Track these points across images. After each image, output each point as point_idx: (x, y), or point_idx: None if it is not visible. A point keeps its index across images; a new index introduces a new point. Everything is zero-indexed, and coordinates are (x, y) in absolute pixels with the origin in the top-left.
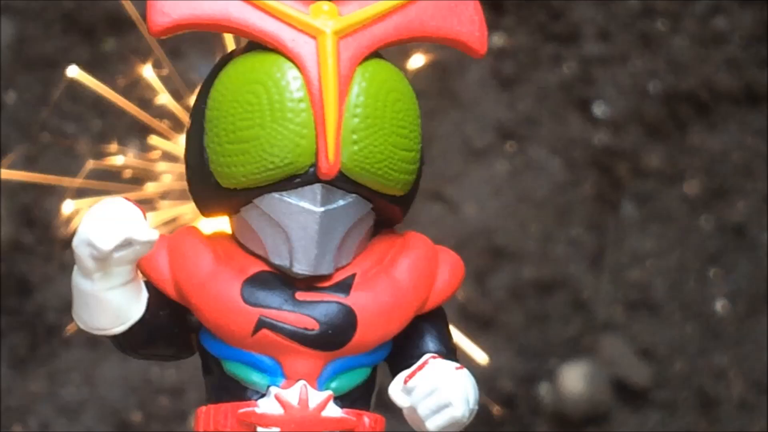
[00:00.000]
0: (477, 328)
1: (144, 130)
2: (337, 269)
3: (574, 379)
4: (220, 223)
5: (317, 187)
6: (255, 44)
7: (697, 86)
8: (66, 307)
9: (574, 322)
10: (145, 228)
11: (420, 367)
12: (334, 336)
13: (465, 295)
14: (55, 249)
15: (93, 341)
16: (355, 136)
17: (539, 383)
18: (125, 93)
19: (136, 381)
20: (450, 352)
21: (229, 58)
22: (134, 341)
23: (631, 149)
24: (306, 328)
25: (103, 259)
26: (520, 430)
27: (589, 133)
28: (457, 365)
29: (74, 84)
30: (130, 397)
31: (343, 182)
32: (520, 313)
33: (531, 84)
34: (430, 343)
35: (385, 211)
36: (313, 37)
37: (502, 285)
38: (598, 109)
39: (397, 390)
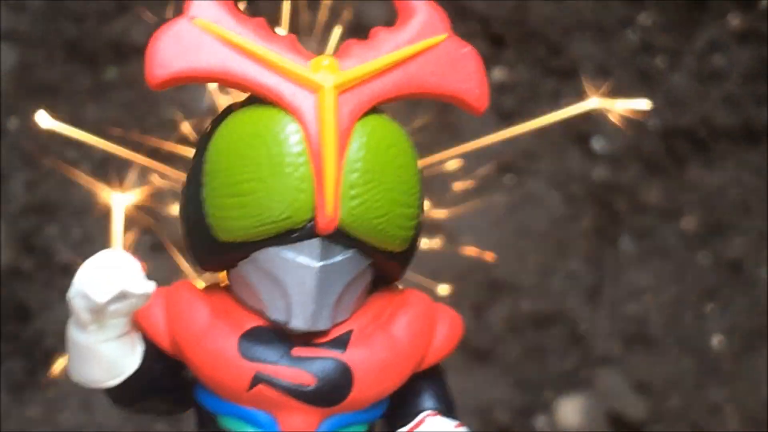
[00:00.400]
0: (474, 360)
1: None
2: (335, 325)
3: (570, 412)
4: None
5: (315, 242)
6: (255, 98)
7: (695, 123)
8: (65, 333)
9: (572, 356)
10: (141, 280)
11: (416, 425)
12: (330, 392)
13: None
14: (55, 275)
15: None
16: (353, 191)
17: (536, 416)
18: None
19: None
20: (449, 409)
21: (228, 111)
22: (129, 395)
23: (630, 184)
24: (302, 384)
25: (98, 311)
26: None
27: (588, 168)
28: (456, 423)
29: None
30: (127, 423)
31: (341, 237)
32: (518, 345)
33: (530, 118)
34: (429, 400)
35: (384, 267)
36: (313, 92)
37: (500, 317)
38: (597, 144)
39: None
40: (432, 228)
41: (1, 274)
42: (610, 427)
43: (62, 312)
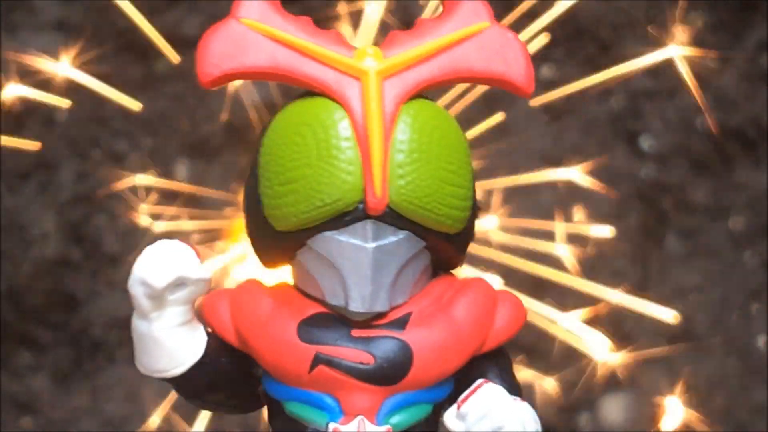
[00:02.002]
0: (519, 358)
1: (194, 149)
2: (393, 308)
3: (614, 410)
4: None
5: (367, 224)
6: (306, 93)
7: (744, 123)
8: (112, 323)
9: (615, 355)
10: (197, 266)
11: (473, 391)
12: (390, 370)
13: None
14: (102, 265)
15: None
16: (401, 171)
17: (579, 414)
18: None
19: (179, 397)
20: (513, 390)
21: (281, 108)
22: (194, 386)
23: (677, 184)
24: (362, 363)
25: (157, 298)
26: None
27: (636, 167)
28: (516, 397)
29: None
30: (173, 414)
31: (392, 218)
32: (561, 343)
33: (579, 116)
34: (493, 380)
35: (441, 252)
36: (357, 78)
37: (545, 315)
38: (645, 143)
39: (451, 417)
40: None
41: (50, 264)
42: (652, 427)
43: (109, 302)
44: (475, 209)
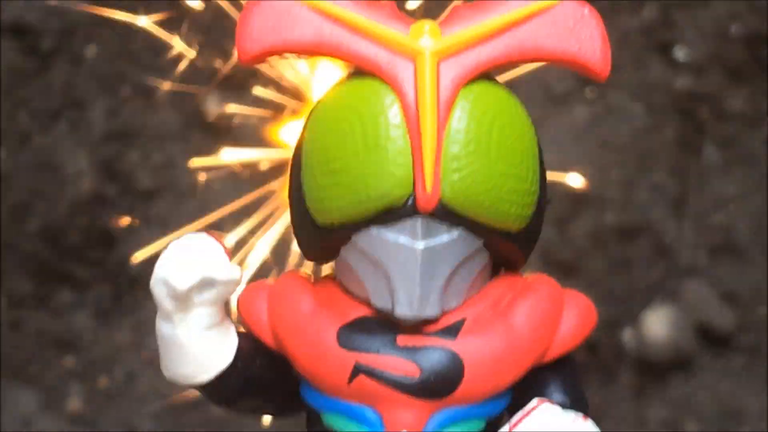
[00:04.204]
0: (559, 275)
1: (222, 81)
2: (445, 313)
3: (657, 324)
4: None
5: (417, 221)
6: (356, 71)
7: None
8: (150, 258)
9: (657, 268)
10: (225, 266)
11: (527, 413)
12: (437, 384)
13: (547, 242)
14: (137, 201)
15: None
16: (456, 164)
17: (623, 329)
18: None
19: None
20: (576, 403)
21: (330, 88)
22: (225, 393)
23: (714, 93)
24: (406, 375)
25: (181, 300)
26: (604, 376)
27: (671, 78)
28: (578, 415)
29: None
30: None
31: (444, 215)
32: (603, 259)
33: (611, 29)
34: (554, 394)
35: (501, 251)
36: (411, 59)
37: (584, 231)
38: (680, 53)
39: None
40: None
41: (85, 202)
42: (697, 339)
43: (146, 237)
44: (543, 204)
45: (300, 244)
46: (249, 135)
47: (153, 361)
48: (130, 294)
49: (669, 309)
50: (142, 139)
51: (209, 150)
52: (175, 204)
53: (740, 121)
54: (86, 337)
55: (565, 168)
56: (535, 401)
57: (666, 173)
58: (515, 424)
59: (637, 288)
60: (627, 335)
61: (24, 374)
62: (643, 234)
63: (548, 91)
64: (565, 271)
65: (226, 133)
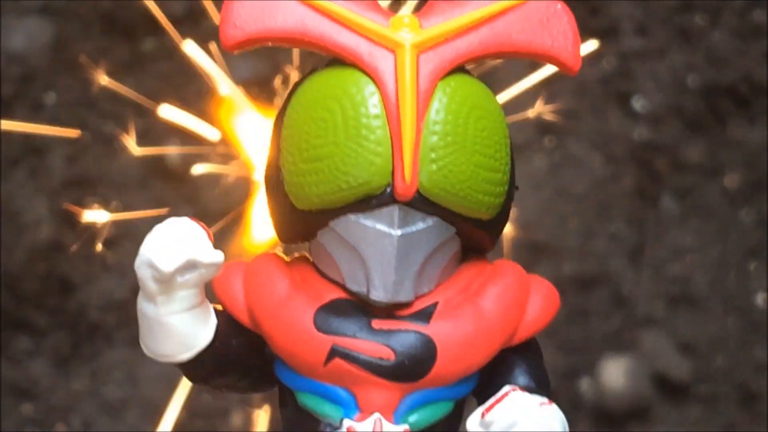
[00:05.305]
0: None
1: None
2: (418, 297)
3: (615, 373)
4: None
5: (394, 209)
6: (335, 60)
7: (736, 80)
8: (108, 306)
9: (615, 317)
10: (209, 249)
11: (499, 400)
12: (411, 367)
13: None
14: (97, 249)
15: (135, 339)
16: (433, 155)
17: (580, 378)
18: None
19: (178, 378)
20: (541, 386)
21: (308, 74)
22: (203, 370)
23: (671, 143)
24: (381, 358)
25: (165, 282)
26: None
27: (629, 128)
28: (544, 400)
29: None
30: (173, 394)
31: (421, 204)
32: (561, 308)
33: (570, 79)
34: (520, 377)
35: (472, 237)
36: (392, 51)
37: None
38: (638, 104)
39: (474, 423)
40: None
41: (44, 249)
42: (655, 389)
43: (105, 285)
44: (512, 193)
45: (276, 227)
46: (210, 183)
47: (110, 409)
48: (88, 341)
49: (627, 359)
50: (102, 187)
51: (170, 198)
52: (134, 252)
53: (697, 171)
54: (44, 384)
55: (524, 217)
56: (507, 388)
57: (624, 223)
58: (488, 409)
59: (594, 337)
60: (584, 384)
61: None
62: (600, 284)
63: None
64: None
65: (187, 181)
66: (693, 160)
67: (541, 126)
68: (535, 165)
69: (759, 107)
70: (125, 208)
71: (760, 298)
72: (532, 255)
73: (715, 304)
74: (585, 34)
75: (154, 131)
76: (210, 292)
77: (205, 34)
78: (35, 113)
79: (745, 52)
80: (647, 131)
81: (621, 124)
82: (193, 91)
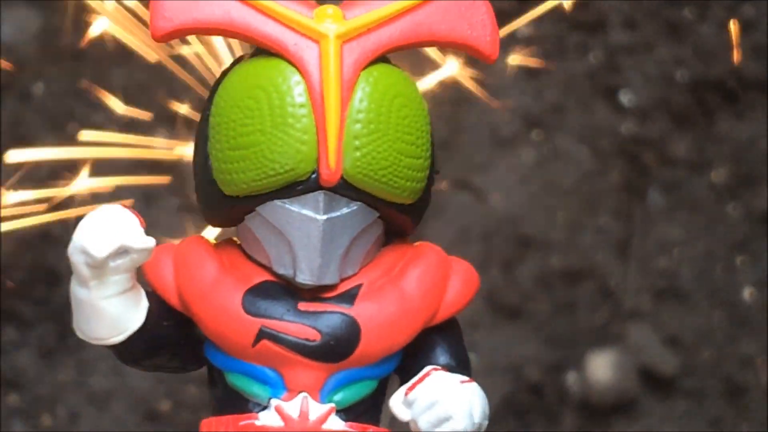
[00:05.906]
0: (504, 318)
1: (173, 119)
2: (343, 279)
3: (601, 367)
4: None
5: (319, 195)
6: (261, 50)
7: (724, 74)
8: None
9: (602, 311)
10: (140, 236)
11: (421, 379)
12: (336, 347)
13: (492, 285)
14: None
15: None
16: (357, 142)
17: (567, 372)
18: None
19: None
20: (461, 365)
21: (235, 64)
22: (134, 352)
23: (658, 138)
24: (308, 339)
25: (98, 267)
26: (548, 419)
27: (616, 122)
28: (464, 378)
29: (101, 74)
30: (159, 386)
31: (345, 189)
32: (548, 301)
33: (557, 73)
34: (441, 356)
35: (395, 221)
36: (316, 41)
37: (530, 274)
38: (625, 98)
39: (397, 402)
40: (460, 185)
41: (30, 239)
42: (641, 382)
43: None
44: (433, 177)
45: (203, 211)
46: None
47: (96, 400)
48: (74, 333)
49: (613, 352)
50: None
51: (157, 188)
52: None
53: (685, 165)
54: (30, 375)
55: (511, 210)
56: (428, 368)
57: (611, 217)
58: (411, 388)
59: (581, 331)
60: (571, 378)
61: None
62: (587, 277)
63: (495, 134)
64: (510, 314)
65: (173, 170)
66: (680, 154)
67: (528, 120)
68: (522, 159)
69: (746, 102)
70: (113, 198)
71: (746, 293)
72: (519, 248)
73: (701, 298)
74: (572, 27)
75: (142, 121)
76: (141, 275)
77: None
78: (24, 103)
79: (733, 47)
80: (635, 125)
81: (608, 118)
82: (183, 84)
